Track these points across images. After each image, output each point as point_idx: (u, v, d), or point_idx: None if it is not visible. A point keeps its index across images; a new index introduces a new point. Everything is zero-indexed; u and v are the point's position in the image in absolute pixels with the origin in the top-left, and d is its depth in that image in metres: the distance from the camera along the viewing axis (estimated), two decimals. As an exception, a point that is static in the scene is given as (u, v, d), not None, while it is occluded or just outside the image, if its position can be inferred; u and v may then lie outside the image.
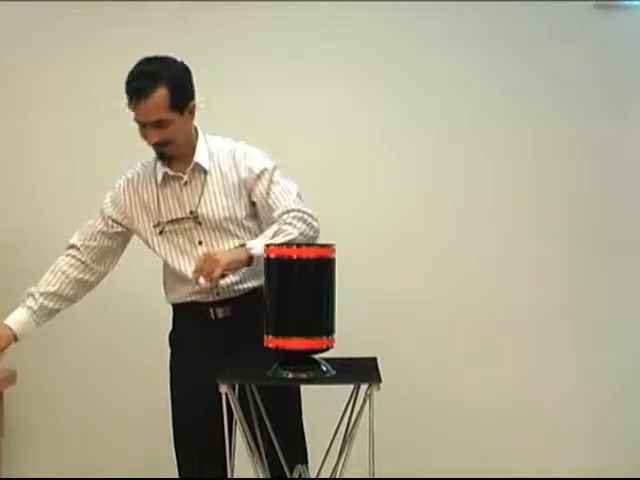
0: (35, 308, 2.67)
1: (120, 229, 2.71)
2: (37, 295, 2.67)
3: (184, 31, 3.55)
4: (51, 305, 2.70)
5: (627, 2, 3.57)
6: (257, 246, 2.41)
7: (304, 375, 2.25)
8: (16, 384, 3.03)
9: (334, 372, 2.28)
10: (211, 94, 3.24)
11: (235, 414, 2.31)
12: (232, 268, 2.45)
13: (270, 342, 2.23)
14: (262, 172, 2.59)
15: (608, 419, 3.59)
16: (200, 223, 2.60)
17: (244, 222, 2.62)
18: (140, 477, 3.47)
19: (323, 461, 2.56)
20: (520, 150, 3.60)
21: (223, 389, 2.22)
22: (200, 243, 2.61)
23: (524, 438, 3.57)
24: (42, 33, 3.62)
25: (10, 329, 2.63)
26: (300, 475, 2.55)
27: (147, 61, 2.54)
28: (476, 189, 3.59)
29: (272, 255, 2.24)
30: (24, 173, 3.64)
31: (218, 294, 2.61)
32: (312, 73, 3.54)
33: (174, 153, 2.59)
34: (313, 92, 3.54)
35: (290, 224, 2.48)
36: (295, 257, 2.22)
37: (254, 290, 2.61)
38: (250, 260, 2.43)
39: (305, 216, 2.52)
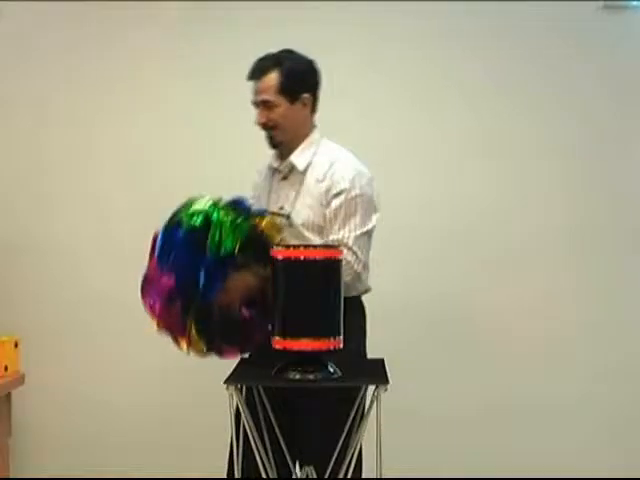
0: None
1: None
2: None
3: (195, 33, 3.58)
4: None
5: (636, 3, 3.56)
6: None
7: (311, 376, 2.24)
8: (24, 385, 3.04)
9: (341, 373, 2.28)
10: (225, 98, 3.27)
11: (242, 415, 2.31)
12: None
13: (277, 343, 2.23)
14: (342, 191, 2.57)
15: (608, 419, 3.59)
16: (290, 222, 2.61)
17: (320, 231, 2.61)
18: (146, 477, 3.48)
19: (330, 461, 2.56)
20: (526, 151, 3.60)
21: (230, 390, 2.22)
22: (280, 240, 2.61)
23: (525, 438, 3.58)
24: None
25: None
26: (307, 475, 2.55)
27: (274, 52, 2.67)
28: (479, 189, 3.59)
29: (279, 256, 2.24)
30: (27, 175, 3.65)
31: None
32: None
33: (280, 139, 2.66)
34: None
35: None
36: (302, 258, 2.22)
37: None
38: None
39: (350, 257, 2.50)
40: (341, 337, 2.24)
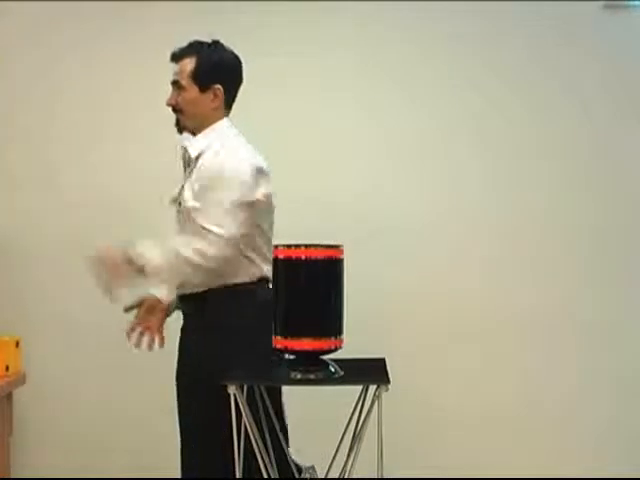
0: None
1: None
2: None
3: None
4: None
5: (637, 2, 3.56)
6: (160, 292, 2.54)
7: (312, 376, 2.24)
8: (25, 385, 3.04)
9: (342, 373, 2.28)
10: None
11: (244, 415, 2.30)
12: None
13: (278, 343, 2.23)
14: (214, 179, 2.53)
15: (608, 419, 3.59)
16: (179, 209, 2.65)
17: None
18: (147, 477, 3.48)
19: (332, 462, 2.56)
20: (526, 151, 3.60)
21: (231, 390, 2.22)
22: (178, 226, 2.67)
23: (525, 438, 3.58)
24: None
25: None
26: (309, 476, 2.55)
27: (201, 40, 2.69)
28: (479, 189, 3.59)
29: (280, 256, 2.24)
30: (28, 174, 3.65)
31: None
32: (314, 75, 3.55)
33: (184, 124, 2.69)
34: (314, 96, 3.55)
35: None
36: (303, 258, 2.22)
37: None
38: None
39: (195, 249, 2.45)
40: (342, 336, 2.25)
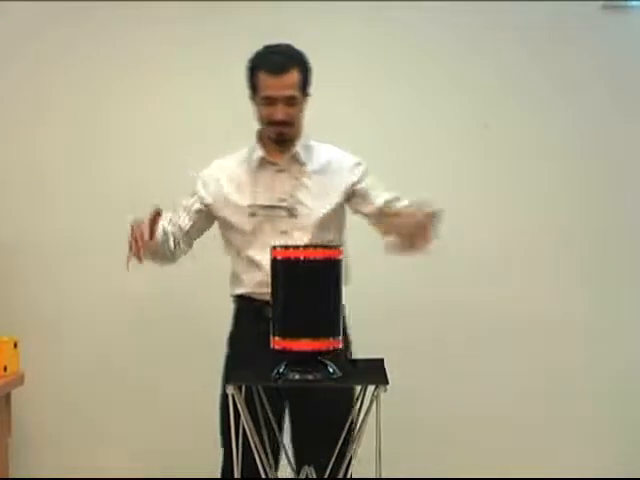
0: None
1: (201, 212, 2.75)
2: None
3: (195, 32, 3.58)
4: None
5: (635, 3, 3.56)
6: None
7: (310, 376, 2.24)
8: (23, 385, 3.04)
9: (340, 373, 2.27)
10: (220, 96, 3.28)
11: (242, 415, 2.30)
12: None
13: (277, 343, 2.23)
14: (358, 163, 2.73)
15: (608, 420, 3.59)
16: (292, 214, 2.62)
17: (331, 220, 2.67)
18: (146, 478, 3.48)
19: (330, 461, 2.56)
20: (525, 150, 3.60)
21: (230, 390, 2.22)
22: (284, 232, 2.63)
23: (526, 438, 3.59)
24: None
25: None
26: (307, 476, 2.55)
27: (278, 45, 2.64)
28: (479, 189, 3.59)
29: (279, 256, 2.24)
30: (25, 175, 3.66)
31: None
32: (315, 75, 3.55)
33: (291, 136, 2.66)
34: (315, 96, 3.55)
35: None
36: (302, 258, 2.21)
37: None
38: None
39: None
40: (341, 337, 2.24)
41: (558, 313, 3.59)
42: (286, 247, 2.29)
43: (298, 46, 2.67)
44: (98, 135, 3.62)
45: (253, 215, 2.64)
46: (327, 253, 2.25)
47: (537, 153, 3.60)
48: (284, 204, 2.63)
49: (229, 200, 2.68)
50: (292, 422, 2.70)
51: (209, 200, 2.72)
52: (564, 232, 3.59)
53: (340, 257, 2.26)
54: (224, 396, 2.49)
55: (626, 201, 3.61)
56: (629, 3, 3.57)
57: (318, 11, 3.52)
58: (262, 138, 2.71)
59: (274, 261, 2.25)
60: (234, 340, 2.77)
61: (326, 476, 2.52)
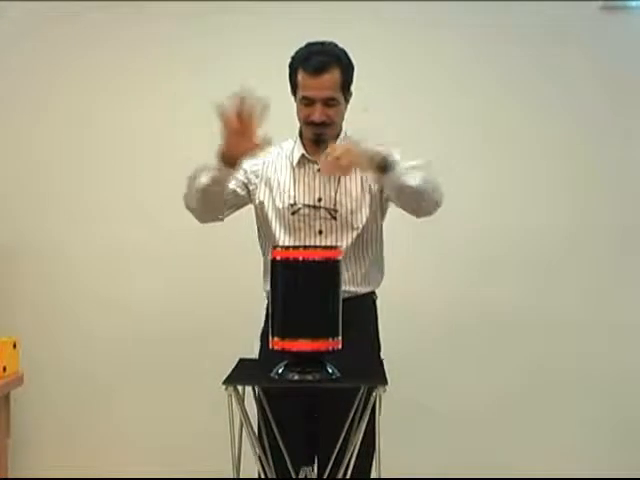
0: None
1: (243, 187, 2.66)
2: None
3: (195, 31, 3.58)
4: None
5: (634, 3, 3.56)
6: (394, 156, 2.39)
7: (310, 377, 2.24)
8: (23, 386, 3.04)
9: (339, 374, 2.27)
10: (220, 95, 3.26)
11: (240, 415, 2.30)
12: (359, 164, 2.43)
13: (276, 344, 2.23)
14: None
15: (609, 420, 3.60)
16: (331, 215, 2.57)
17: (370, 219, 2.62)
18: (146, 477, 3.48)
19: (330, 461, 2.56)
20: (525, 151, 3.60)
21: (229, 391, 2.22)
22: (320, 232, 2.58)
23: (525, 438, 3.59)
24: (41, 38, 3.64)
25: None
26: (306, 476, 2.55)
27: (320, 43, 2.57)
28: (479, 189, 3.59)
29: (278, 257, 2.24)
30: (24, 177, 3.66)
31: None
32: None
33: (330, 136, 2.58)
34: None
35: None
36: (301, 259, 2.22)
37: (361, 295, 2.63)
38: (381, 168, 2.40)
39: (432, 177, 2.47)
40: (340, 338, 2.24)
41: (557, 313, 3.59)
42: (286, 248, 2.29)
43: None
44: (99, 137, 3.62)
45: (293, 213, 2.59)
46: (326, 254, 2.25)
47: (536, 153, 3.59)
48: (322, 204, 2.59)
49: (270, 193, 2.63)
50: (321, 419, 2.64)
51: (254, 183, 2.66)
52: (563, 233, 3.59)
53: (339, 258, 2.26)
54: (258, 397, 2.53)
55: (626, 201, 3.60)
56: (629, 3, 3.57)
57: (319, 11, 3.51)
58: (303, 136, 2.66)
59: (273, 261, 2.25)
60: (265, 335, 2.74)
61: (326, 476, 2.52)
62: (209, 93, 3.47)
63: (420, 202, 2.49)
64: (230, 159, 2.43)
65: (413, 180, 2.42)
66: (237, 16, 3.53)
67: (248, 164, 2.62)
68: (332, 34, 3.41)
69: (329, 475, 2.50)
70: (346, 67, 2.55)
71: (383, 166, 2.39)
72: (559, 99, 3.57)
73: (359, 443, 2.30)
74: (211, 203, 2.56)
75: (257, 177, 2.66)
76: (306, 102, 2.54)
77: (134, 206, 3.60)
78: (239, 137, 2.38)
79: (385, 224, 2.69)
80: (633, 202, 3.60)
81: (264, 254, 2.68)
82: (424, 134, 3.58)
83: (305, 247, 2.33)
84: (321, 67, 2.49)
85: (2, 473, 2.98)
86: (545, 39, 3.55)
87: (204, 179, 2.48)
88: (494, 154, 3.60)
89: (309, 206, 2.59)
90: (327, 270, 2.24)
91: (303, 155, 2.64)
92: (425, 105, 3.59)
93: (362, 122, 3.47)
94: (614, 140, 3.58)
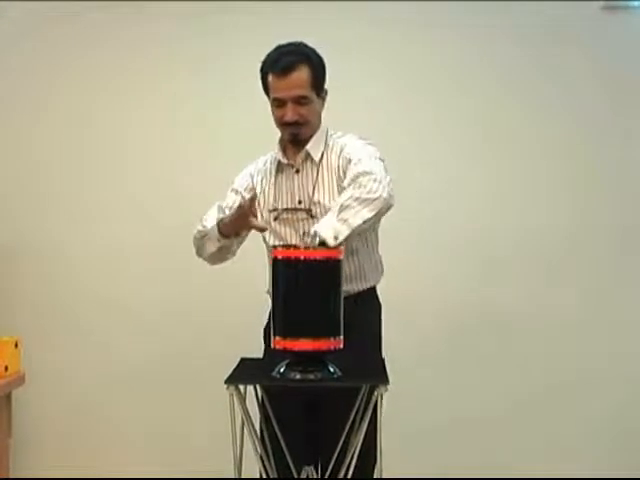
0: None
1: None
2: None
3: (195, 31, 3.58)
4: None
5: (635, 3, 3.57)
6: (323, 230, 2.28)
7: (311, 376, 2.24)
8: (24, 385, 3.04)
9: (341, 373, 2.27)
10: (220, 95, 3.27)
11: (242, 415, 2.30)
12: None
13: (277, 343, 2.23)
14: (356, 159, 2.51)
15: (609, 420, 3.60)
16: (311, 215, 2.57)
17: None
18: (146, 477, 3.48)
19: (331, 461, 2.56)
20: (525, 151, 3.60)
21: (230, 390, 2.22)
22: (304, 234, 2.57)
23: (526, 438, 3.59)
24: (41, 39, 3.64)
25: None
26: (308, 476, 2.55)
27: (289, 44, 2.56)
28: (478, 189, 3.59)
29: (279, 256, 2.24)
30: (25, 177, 3.66)
31: None
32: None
33: (306, 136, 2.58)
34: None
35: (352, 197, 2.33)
36: (302, 258, 2.21)
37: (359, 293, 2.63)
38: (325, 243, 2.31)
39: (373, 177, 2.36)
40: (341, 337, 2.24)
41: (556, 313, 3.59)
42: (287, 247, 2.29)
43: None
44: (99, 137, 3.63)
45: (275, 219, 2.62)
46: (327, 253, 2.25)
47: (536, 153, 3.60)
48: (302, 206, 2.59)
49: (259, 203, 2.63)
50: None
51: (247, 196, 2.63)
52: (564, 232, 3.59)
53: (340, 257, 2.26)
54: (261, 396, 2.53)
55: (626, 201, 3.61)
56: (629, 3, 3.57)
57: (319, 12, 3.52)
58: (282, 140, 2.67)
59: (275, 261, 2.25)
60: (268, 333, 2.74)
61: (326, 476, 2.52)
62: (209, 93, 3.58)
63: (381, 216, 2.46)
64: (236, 234, 2.56)
65: (360, 218, 2.32)
66: (237, 16, 3.53)
67: (238, 183, 2.71)
68: (332, 34, 3.47)
69: (331, 475, 2.50)
70: (316, 65, 2.54)
71: (323, 242, 2.30)
72: (559, 99, 3.57)
73: (360, 442, 2.30)
74: (222, 259, 2.69)
75: (249, 192, 2.66)
76: (277, 103, 2.55)
77: (134, 206, 3.60)
78: (247, 217, 2.44)
79: (385, 224, 2.68)
80: (633, 202, 3.60)
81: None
82: (424, 134, 3.59)
83: (306, 246, 2.32)
84: (289, 66, 2.49)
85: (3, 473, 2.98)
86: (545, 39, 3.55)
87: (212, 248, 2.59)
88: (494, 154, 3.60)
89: (288, 210, 2.60)
90: (328, 269, 2.24)
91: (279, 161, 2.65)
92: (425, 105, 3.60)
93: (362, 121, 3.52)
94: (614, 140, 3.58)
